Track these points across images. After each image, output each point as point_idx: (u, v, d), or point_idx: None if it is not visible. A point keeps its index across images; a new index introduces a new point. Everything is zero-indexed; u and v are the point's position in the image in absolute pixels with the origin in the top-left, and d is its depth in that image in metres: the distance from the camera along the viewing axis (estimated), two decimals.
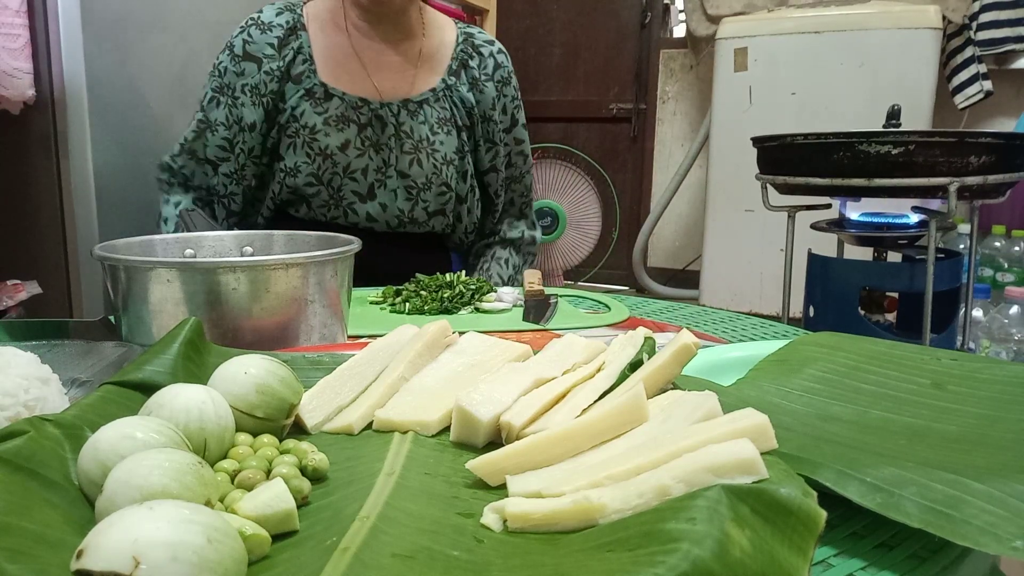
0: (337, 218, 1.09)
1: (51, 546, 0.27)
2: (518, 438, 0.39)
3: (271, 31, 1.05)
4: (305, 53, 1.06)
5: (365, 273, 0.82)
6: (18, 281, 1.45)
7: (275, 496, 0.32)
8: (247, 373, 0.41)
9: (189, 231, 0.99)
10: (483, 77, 1.13)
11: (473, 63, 1.13)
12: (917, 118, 2.43)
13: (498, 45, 1.17)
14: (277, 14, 1.07)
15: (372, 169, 1.09)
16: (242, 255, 0.76)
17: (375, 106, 1.07)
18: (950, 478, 0.32)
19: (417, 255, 1.14)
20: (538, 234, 1.24)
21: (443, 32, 1.13)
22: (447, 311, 0.81)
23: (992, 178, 1.38)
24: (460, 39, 1.13)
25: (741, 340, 0.72)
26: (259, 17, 1.07)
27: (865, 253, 1.71)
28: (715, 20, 3.04)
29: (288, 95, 1.05)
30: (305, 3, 1.10)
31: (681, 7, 3.33)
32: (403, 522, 0.32)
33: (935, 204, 1.52)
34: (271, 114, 1.06)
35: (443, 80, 1.11)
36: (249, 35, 1.05)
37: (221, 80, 1.06)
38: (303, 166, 1.06)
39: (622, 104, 3.65)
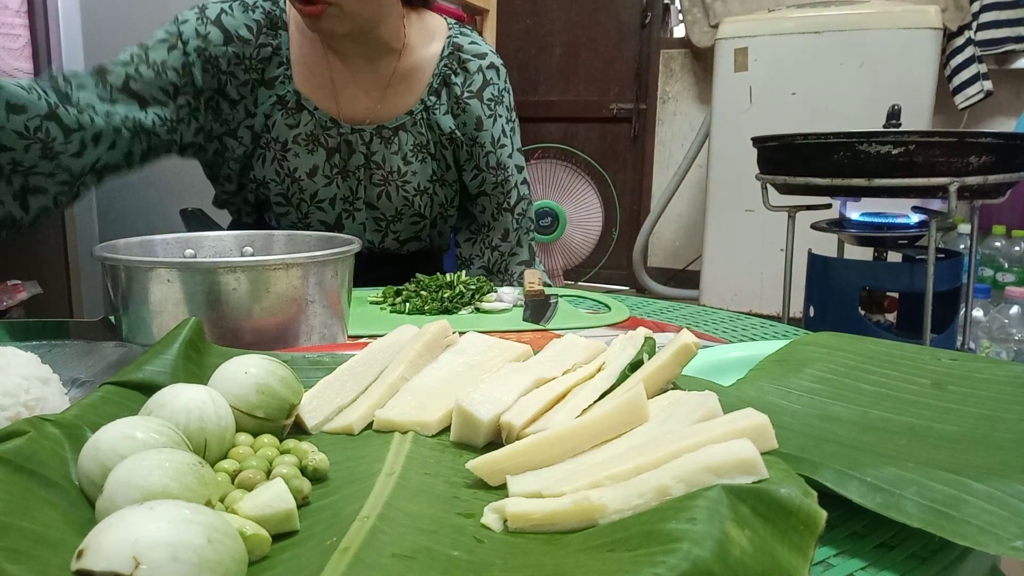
0: None
1: (51, 546, 0.27)
2: (518, 438, 0.39)
3: (254, 11, 0.95)
4: (282, 56, 0.96)
5: (355, 279, 0.80)
6: (18, 281, 1.45)
7: (275, 496, 0.32)
8: (247, 373, 0.41)
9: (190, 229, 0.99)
10: (466, 95, 1.01)
11: (457, 80, 1.02)
12: (917, 118, 2.44)
13: (490, 59, 1.04)
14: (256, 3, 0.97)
15: (340, 198, 1.03)
16: (242, 255, 0.76)
17: (345, 130, 0.99)
18: (950, 478, 0.32)
19: (404, 265, 1.10)
20: (539, 266, 1.14)
21: (428, 45, 1.02)
22: (447, 311, 0.81)
23: (992, 178, 1.38)
24: (446, 52, 1.02)
25: (741, 340, 0.72)
26: None
27: (865, 253, 1.71)
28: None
29: (261, 100, 0.97)
30: None
31: (680, 8, 3.33)
32: (403, 522, 0.32)
33: (935, 204, 1.52)
34: (226, 95, 0.95)
35: (422, 101, 1.01)
36: (230, 8, 0.94)
37: (178, 28, 0.92)
38: (272, 184, 1.01)
39: (622, 104, 3.66)
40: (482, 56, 1.04)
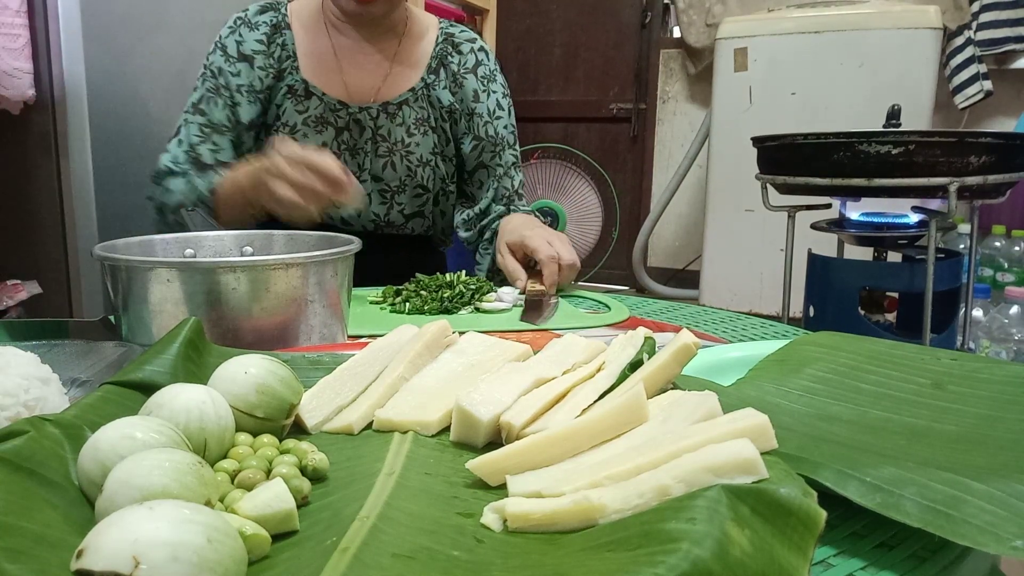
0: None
1: (51, 546, 0.27)
2: (518, 438, 0.39)
3: (258, 28, 1.06)
4: (289, 50, 1.06)
5: (356, 275, 0.81)
6: (18, 281, 1.45)
7: (275, 496, 0.32)
8: (247, 373, 0.41)
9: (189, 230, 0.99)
10: (463, 72, 1.11)
11: (453, 60, 1.12)
12: (917, 118, 2.43)
13: (480, 43, 1.15)
14: (261, 12, 1.08)
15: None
16: (242, 255, 0.76)
17: (353, 110, 1.07)
18: (950, 478, 0.32)
19: (406, 256, 1.13)
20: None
21: (424, 31, 1.13)
22: (447, 311, 0.81)
23: (992, 178, 1.38)
24: (440, 38, 1.13)
25: (741, 340, 0.72)
26: (246, 16, 1.07)
27: (865, 253, 1.71)
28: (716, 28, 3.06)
29: (275, 94, 1.06)
30: (289, 1, 1.11)
31: (677, 10, 3.33)
32: (403, 522, 0.32)
33: (935, 204, 1.52)
34: (265, 111, 1.07)
35: (423, 79, 1.10)
36: (240, 35, 1.05)
37: (216, 81, 1.05)
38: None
39: (622, 104, 3.65)
40: (472, 40, 1.15)
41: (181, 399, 0.37)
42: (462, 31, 1.15)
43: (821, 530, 0.28)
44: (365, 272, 0.90)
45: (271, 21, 1.07)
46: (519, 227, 0.98)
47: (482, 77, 1.12)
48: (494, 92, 1.13)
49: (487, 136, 1.13)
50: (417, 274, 0.90)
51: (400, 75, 1.10)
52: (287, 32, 1.07)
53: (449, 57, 1.12)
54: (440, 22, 1.16)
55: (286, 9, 1.08)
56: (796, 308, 1.90)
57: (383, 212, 1.12)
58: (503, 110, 1.15)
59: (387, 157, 1.09)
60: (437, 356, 0.51)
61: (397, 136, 1.09)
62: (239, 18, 1.07)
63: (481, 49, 1.14)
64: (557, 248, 0.90)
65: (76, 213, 1.50)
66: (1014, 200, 2.32)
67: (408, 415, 0.44)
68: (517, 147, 1.18)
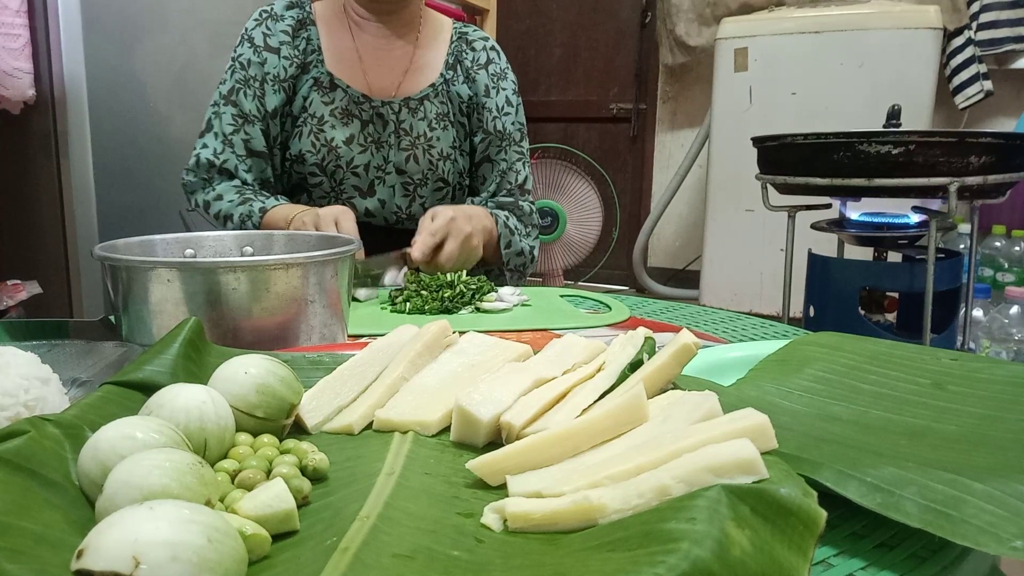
0: None
1: (51, 546, 0.27)
2: (518, 438, 0.39)
3: (283, 20, 1.10)
4: (314, 44, 1.11)
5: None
6: (18, 281, 1.45)
7: (275, 496, 0.32)
8: (247, 373, 0.41)
9: (190, 230, 0.99)
10: (475, 67, 1.16)
11: (467, 56, 1.17)
12: (917, 118, 2.43)
13: (491, 42, 1.20)
14: (287, 7, 1.12)
15: (373, 166, 1.12)
16: (242, 255, 0.76)
17: (376, 104, 1.11)
18: (950, 478, 0.32)
19: None
20: (533, 241, 1.20)
21: (439, 31, 1.18)
22: (447, 311, 0.81)
23: (992, 178, 1.38)
24: (455, 37, 1.18)
25: (741, 340, 0.72)
26: (272, 9, 1.11)
27: (865, 253, 1.71)
28: (690, 51, 3.16)
29: (300, 85, 1.10)
30: (313, 1, 1.15)
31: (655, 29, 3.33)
32: (403, 522, 0.32)
33: (935, 204, 1.52)
34: (289, 100, 1.10)
35: (441, 75, 1.15)
36: (268, 27, 1.09)
37: (245, 72, 1.08)
38: (308, 155, 1.09)
39: (622, 104, 3.65)
40: (485, 39, 1.20)
41: (181, 399, 0.37)
42: (474, 30, 1.21)
43: (821, 530, 0.28)
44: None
45: (297, 16, 1.11)
46: (457, 205, 1.05)
47: (492, 74, 1.17)
48: (504, 89, 1.17)
49: (495, 131, 1.16)
50: (419, 273, 0.90)
51: (419, 72, 1.15)
52: (312, 28, 1.12)
53: (463, 54, 1.17)
54: (453, 24, 1.20)
55: (310, 7, 1.13)
56: (796, 308, 1.90)
57: (405, 204, 1.14)
58: (511, 107, 1.18)
59: (410, 151, 1.13)
60: (437, 356, 0.51)
61: (419, 130, 1.13)
62: (264, 11, 1.11)
63: (493, 48, 1.19)
64: (436, 223, 0.95)
65: (76, 213, 1.51)
66: (1014, 200, 2.32)
67: (408, 415, 0.44)
68: (525, 144, 1.21)
